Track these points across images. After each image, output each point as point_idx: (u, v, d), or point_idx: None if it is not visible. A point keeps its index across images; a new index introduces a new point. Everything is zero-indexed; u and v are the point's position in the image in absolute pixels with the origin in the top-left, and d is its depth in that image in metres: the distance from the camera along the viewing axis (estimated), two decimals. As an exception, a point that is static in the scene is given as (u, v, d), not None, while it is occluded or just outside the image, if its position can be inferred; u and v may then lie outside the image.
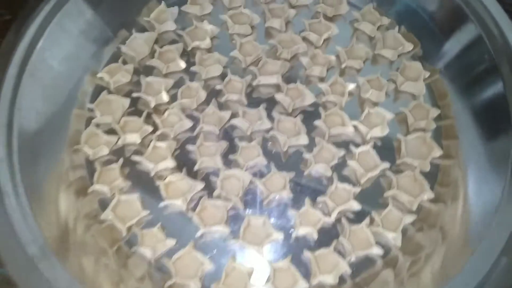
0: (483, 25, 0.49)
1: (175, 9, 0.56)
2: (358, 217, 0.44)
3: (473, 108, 0.49)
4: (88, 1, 0.53)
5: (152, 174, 0.46)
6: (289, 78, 0.52)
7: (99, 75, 0.52)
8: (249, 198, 0.45)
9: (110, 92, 0.51)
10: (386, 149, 0.48)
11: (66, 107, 0.50)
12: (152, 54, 0.54)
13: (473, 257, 0.38)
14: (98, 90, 0.52)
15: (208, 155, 0.46)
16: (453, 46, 0.52)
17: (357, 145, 0.47)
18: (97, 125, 0.49)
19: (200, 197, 0.45)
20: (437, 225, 0.44)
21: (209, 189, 0.46)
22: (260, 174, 0.46)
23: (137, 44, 0.54)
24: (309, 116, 0.49)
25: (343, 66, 0.52)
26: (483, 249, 0.38)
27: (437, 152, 0.46)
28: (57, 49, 0.50)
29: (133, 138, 0.48)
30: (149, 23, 0.56)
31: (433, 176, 0.46)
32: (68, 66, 0.51)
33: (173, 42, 0.55)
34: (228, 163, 0.47)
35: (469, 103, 0.49)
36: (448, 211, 0.45)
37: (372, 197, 0.45)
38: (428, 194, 0.44)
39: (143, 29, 0.56)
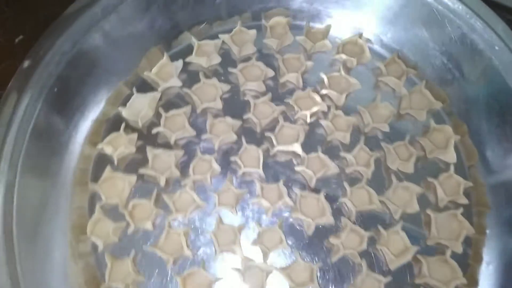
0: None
1: (179, 63, 0.51)
2: (388, 303, 0.42)
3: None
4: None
5: (168, 266, 0.43)
6: (308, 144, 0.47)
7: (99, 146, 0.47)
8: (274, 289, 0.43)
9: (114, 167, 0.46)
10: (414, 225, 0.45)
11: (66, 181, 0.46)
12: (156, 116, 0.49)
13: None
14: (99, 159, 0.47)
15: (226, 244, 0.43)
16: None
17: (384, 222, 0.45)
18: (102, 206, 0.45)
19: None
20: (472, 308, 0.43)
21: (230, 281, 0.43)
22: (283, 261, 0.43)
23: (139, 107, 0.49)
24: (332, 188, 0.46)
25: (367, 130, 0.48)
26: None
27: (470, 230, 0.44)
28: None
29: (145, 225, 0.44)
30: (150, 78, 0.51)
31: (464, 253, 0.44)
32: (65, 134, 0.47)
33: (177, 99, 0.50)
34: (249, 250, 0.44)
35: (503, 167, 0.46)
36: (480, 291, 0.43)
37: (402, 282, 0.43)
38: (461, 281, 0.42)
39: (142, 84, 0.51)
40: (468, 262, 0.44)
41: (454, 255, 0.43)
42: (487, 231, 0.45)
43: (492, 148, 0.47)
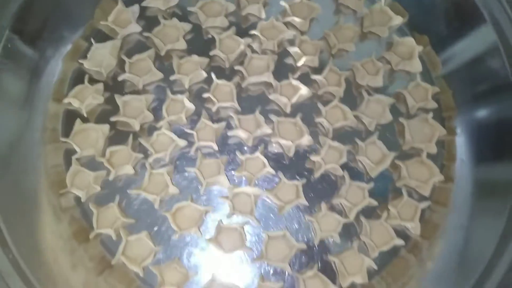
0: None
1: (135, 8, 0.49)
2: (373, 209, 0.44)
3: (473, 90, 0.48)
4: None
5: (156, 206, 0.42)
6: (278, 71, 0.48)
7: (65, 101, 0.45)
8: (263, 212, 0.43)
9: (83, 117, 0.45)
10: (389, 134, 0.47)
11: (35, 141, 0.45)
12: (120, 64, 0.48)
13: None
14: (69, 114, 0.46)
15: (211, 175, 0.43)
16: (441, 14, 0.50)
17: (360, 135, 0.46)
18: (79, 159, 0.44)
19: (212, 220, 0.43)
20: (449, 203, 0.45)
21: (220, 210, 0.43)
22: (269, 183, 0.44)
23: (101, 56, 0.47)
24: (308, 111, 0.46)
25: (334, 51, 0.48)
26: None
27: (441, 132, 0.46)
28: (9, 79, 0.43)
29: (126, 170, 0.43)
30: (108, 28, 0.49)
31: (439, 155, 0.46)
32: (27, 95, 0.45)
33: (140, 45, 0.49)
34: (234, 179, 0.44)
35: (464, 73, 0.48)
36: (456, 188, 0.45)
37: (384, 188, 0.45)
38: (438, 178, 0.44)
39: (101, 35, 0.49)
40: (443, 163, 0.46)
41: (429, 157, 0.45)
42: (458, 131, 0.47)
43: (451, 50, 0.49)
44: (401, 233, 0.43)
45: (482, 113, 0.46)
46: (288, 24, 0.49)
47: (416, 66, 0.48)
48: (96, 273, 0.41)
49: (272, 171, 0.44)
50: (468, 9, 0.46)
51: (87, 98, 0.45)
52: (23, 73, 0.45)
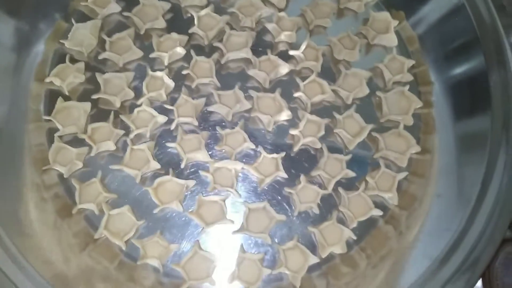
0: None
1: (115, -12, 0.50)
2: (352, 182, 0.45)
3: (445, 51, 0.49)
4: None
5: (138, 180, 0.43)
6: (257, 48, 0.48)
7: (47, 80, 0.46)
8: (244, 185, 0.44)
9: (65, 96, 0.46)
10: (367, 107, 0.48)
11: (18, 121, 0.45)
12: (101, 44, 0.48)
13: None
14: (51, 95, 0.47)
15: (192, 150, 0.44)
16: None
17: (339, 109, 0.47)
18: (61, 137, 0.44)
19: (194, 194, 0.43)
20: (425, 175, 0.46)
21: (201, 184, 0.44)
22: (250, 158, 0.45)
23: (82, 37, 0.48)
24: (287, 87, 0.47)
25: (311, 27, 0.49)
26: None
27: (417, 104, 0.47)
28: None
29: (107, 145, 0.44)
30: (88, 8, 0.49)
31: (416, 127, 0.47)
32: (9, 75, 0.45)
33: (120, 25, 0.50)
34: (215, 153, 0.45)
35: (441, 46, 0.49)
36: (433, 159, 0.46)
37: (363, 160, 0.46)
38: (415, 149, 0.45)
39: (82, 16, 0.50)
40: (419, 136, 0.47)
41: (406, 128, 0.46)
42: (433, 102, 0.48)
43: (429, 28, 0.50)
44: (379, 204, 0.44)
45: (455, 71, 0.47)
46: (265, 1, 0.50)
47: (392, 40, 0.49)
48: (80, 249, 0.42)
49: (252, 145, 0.44)
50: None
51: (68, 77, 0.46)
52: (4, 53, 0.45)
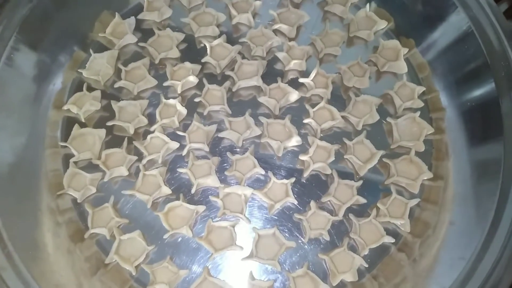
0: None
1: (131, 20, 0.52)
2: (363, 208, 0.44)
3: (455, 77, 0.49)
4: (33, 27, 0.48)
5: (149, 206, 0.44)
6: (268, 77, 0.49)
7: (65, 107, 0.48)
8: (254, 211, 0.44)
9: (81, 123, 0.47)
10: (377, 134, 0.48)
11: (36, 147, 0.47)
12: (117, 73, 0.50)
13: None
14: (68, 122, 0.48)
15: (203, 176, 0.44)
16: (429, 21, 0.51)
17: (349, 135, 0.47)
18: (76, 163, 0.46)
19: (204, 219, 0.44)
20: (439, 201, 0.45)
21: (211, 210, 0.44)
22: (259, 183, 0.45)
23: (99, 66, 0.50)
24: (297, 113, 0.48)
25: (321, 55, 0.50)
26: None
27: (429, 130, 0.46)
28: (12, 89, 0.46)
29: (120, 171, 0.45)
30: (106, 39, 0.51)
31: (428, 154, 0.47)
32: (29, 103, 0.47)
33: (136, 55, 0.51)
34: (225, 179, 0.45)
35: (451, 72, 0.49)
36: (446, 186, 0.45)
37: (374, 186, 0.45)
38: (427, 175, 0.45)
39: (99, 46, 0.52)
40: (431, 162, 0.47)
41: (418, 155, 0.46)
42: (445, 128, 0.48)
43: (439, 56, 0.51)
44: (391, 231, 0.44)
45: (466, 97, 0.47)
46: (276, 32, 0.51)
47: (402, 67, 0.49)
48: (91, 273, 0.42)
49: (261, 170, 0.45)
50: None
51: (85, 105, 0.47)
52: (25, 83, 0.48)
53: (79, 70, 0.50)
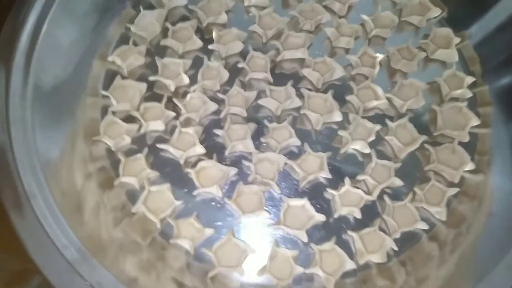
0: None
1: (183, -18, 0.52)
2: (398, 193, 0.43)
3: (506, 76, 0.47)
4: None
5: (182, 162, 0.43)
6: (314, 51, 0.49)
7: (110, 58, 0.48)
8: (285, 181, 0.43)
9: (123, 77, 0.48)
10: (421, 121, 0.46)
11: (78, 95, 0.47)
12: (164, 32, 0.50)
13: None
14: (110, 75, 0.48)
15: (238, 139, 0.44)
16: (482, 9, 0.50)
17: (391, 119, 0.45)
18: (114, 113, 0.46)
19: (234, 183, 0.43)
20: (478, 195, 0.43)
21: (243, 174, 0.43)
22: (294, 156, 0.44)
23: (147, 23, 0.50)
24: (340, 90, 0.47)
25: (370, 35, 0.49)
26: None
27: (475, 121, 0.45)
28: (63, 32, 0.46)
29: (156, 125, 0.45)
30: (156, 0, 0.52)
31: (471, 146, 0.45)
32: (76, 50, 0.48)
33: (184, 18, 0.52)
34: (259, 146, 0.44)
35: (503, 71, 0.48)
36: (486, 180, 0.44)
37: (412, 172, 0.44)
38: (469, 166, 0.43)
39: (150, 6, 0.52)
40: (474, 156, 0.45)
41: (461, 145, 0.44)
42: (492, 123, 0.46)
43: (492, 51, 0.49)
44: (425, 220, 0.42)
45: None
46: (326, 8, 0.51)
47: (452, 55, 0.47)
48: (114, 223, 0.42)
49: (297, 141, 0.44)
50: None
51: (129, 58, 0.48)
52: (75, 29, 0.48)
53: (127, 25, 0.50)
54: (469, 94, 0.46)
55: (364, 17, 0.50)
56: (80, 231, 0.38)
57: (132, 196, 0.43)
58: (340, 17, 0.50)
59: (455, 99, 0.46)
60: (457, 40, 0.48)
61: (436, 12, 0.50)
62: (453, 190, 0.42)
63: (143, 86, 0.47)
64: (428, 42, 0.48)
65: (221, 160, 0.44)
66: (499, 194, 0.43)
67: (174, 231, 0.41)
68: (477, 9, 0.50)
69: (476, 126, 0.45)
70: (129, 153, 0.44)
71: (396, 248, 0.40)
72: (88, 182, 0.43)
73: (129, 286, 0.36)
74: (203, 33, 0.51)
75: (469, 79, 0.46)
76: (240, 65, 0.47)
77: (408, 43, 0.48)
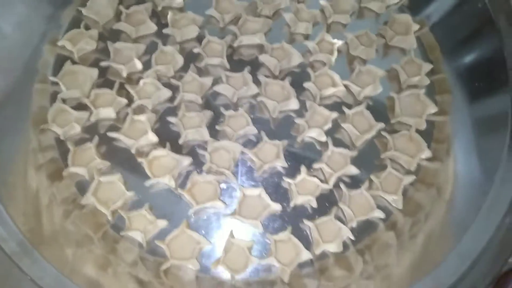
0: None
1: (138, -36, 0.50)
2: (355, 181, 0.42)
3: (466, 61, 0.47)
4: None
5: (133, 151, 0.42)
6: (272, 37, 0.47)
7: (59, 43, 0.46)
8: (241, 170, 0.42)
9: (74, 62, 0.45)
10: (379, 108, 0.46)
11: (25, 80, 0.45)
12: (117, 16, 0.48)
13: (477, 217, 0.38)
14: (60, 60, 0.46)
15: (192, 127, 0.42)
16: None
17: (349, 106, 0.45)
18: (64, 100, 0.44)
19: (188, 173, 0.42)
20: (435, 184, 0.43)
21: (197, 163, 0.42)
22: (250, 144, 0.43)
23: (100, 6, 0.48)
24: (297, 77, 0.46)
25: (329, 21, 0.48)
26: (486, 209, 0.38)
27: (432, 109, 0.45)
28: (9, 13, 0.44)
29: (107, 112, 0.43)
30: (110, -19, 0.50)
31: (428, 133, 0.45)
32: (23, 33, 0.45)
33: (139, 1, 0.50)
34: (215, 134, 0.43)
35: (462, 56, 0.47)
36: (444, 168, 0.44)
37: (368, 160, 0.44)
38: (426, 153, 0.43)
39: (103, -11, 0.50)
40: (431, 143, 0.45)
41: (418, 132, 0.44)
42: (450, 111, 0.46)
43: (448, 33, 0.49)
44: (382, 208, 0.41)
45: (476, 82, 0.45)
46: (285, -7, 0.50)
47: (411, 42, 0.47)
48: (64, 216, 0.40)
49: (254, 129, 0.43)
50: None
51: (80, 42, 0.45)
52: (21, 13, 0.46)
53: (79, 8, 0.48)
54: (427, 81, 0.46)
55: (323, 2, 0.49)
56: (24, 224, 0.36)
57: (83, 187, 0.41)
58: (299, 2, 0.49)
59: (414, 86, 0.46)
60: (416, 26, 0.48)
61: (396, -3, 0.50)
62: (410, 178, 0.42)
63: (95, 72, 0.45)
64: (386, 28, 0.48)
65: (175, 149, 0.42)
66: (458, 182, 0.43)
67: (125, 223, 0.39)
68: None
69: (434, 114, 0.45)
70: (79, 142, 0.43)
71: (352, 238, 0.40)
72: (37, 173, 0.41)
73: (85, 283, 0.35)
74: (159, 17, 0.49)
75: (427, 66, 0.46)
76: (195, 50, 0.46)
77: (367, 29, 0.47)
